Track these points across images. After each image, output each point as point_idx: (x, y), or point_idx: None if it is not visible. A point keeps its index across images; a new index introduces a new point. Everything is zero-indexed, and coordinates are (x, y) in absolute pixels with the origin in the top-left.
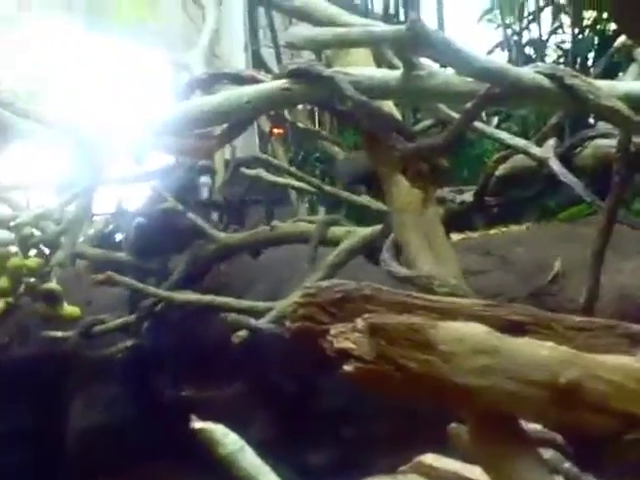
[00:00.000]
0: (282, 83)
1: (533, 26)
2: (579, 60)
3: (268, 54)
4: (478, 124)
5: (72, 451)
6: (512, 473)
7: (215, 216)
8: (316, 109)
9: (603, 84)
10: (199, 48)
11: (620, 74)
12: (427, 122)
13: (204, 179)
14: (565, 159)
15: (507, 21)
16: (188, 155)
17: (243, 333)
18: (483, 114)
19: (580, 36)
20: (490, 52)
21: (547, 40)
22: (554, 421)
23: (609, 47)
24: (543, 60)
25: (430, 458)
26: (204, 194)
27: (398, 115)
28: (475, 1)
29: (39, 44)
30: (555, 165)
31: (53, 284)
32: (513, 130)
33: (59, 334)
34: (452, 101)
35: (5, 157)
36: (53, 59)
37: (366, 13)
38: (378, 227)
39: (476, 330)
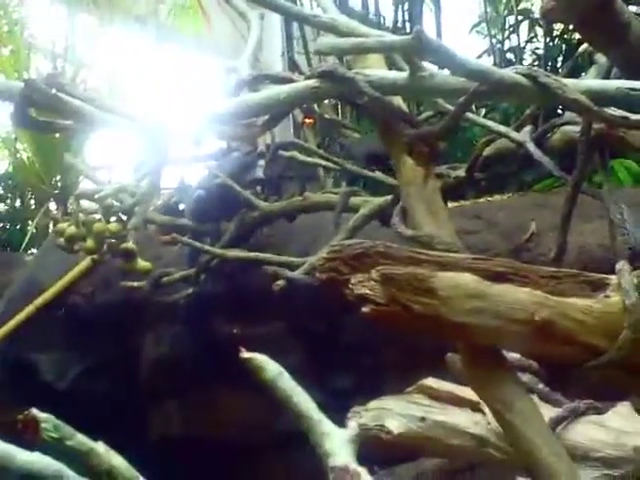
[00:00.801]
0: (312, 82)
1: (513, 36)
2: (550, 63)
3: (301, 59)
4: (469, 114)
5: (144, 378)
6: (496, 393)
7: (259, 189)
8: (339, 103)
9: (569, 82)
10: (245, 55)
11: (583, 74)
12: (428, 113)
13: (260, 162)
14: (539, 142)
15: (492, 32)
16: (237, 140)
17: (281, 282)
18: (473, 106)
19: (551, 44)
20: (479, 57)
21: (524, 47)
22: (531, 351)
23: (574, 52)
24: (521, 63)
25: (431, 381)
26: (258, 173)
27: (405, 108)
28: (466, 16)
29: (117, 52)
30: (531, 147)
31: (130, 244)
32: (497, 119)
33: (135, 284)
34: (448, 96)
35: (91, 144)
36: (130, 65)
37: (379, 26)
38: (389, 197)
39: (468, 279)
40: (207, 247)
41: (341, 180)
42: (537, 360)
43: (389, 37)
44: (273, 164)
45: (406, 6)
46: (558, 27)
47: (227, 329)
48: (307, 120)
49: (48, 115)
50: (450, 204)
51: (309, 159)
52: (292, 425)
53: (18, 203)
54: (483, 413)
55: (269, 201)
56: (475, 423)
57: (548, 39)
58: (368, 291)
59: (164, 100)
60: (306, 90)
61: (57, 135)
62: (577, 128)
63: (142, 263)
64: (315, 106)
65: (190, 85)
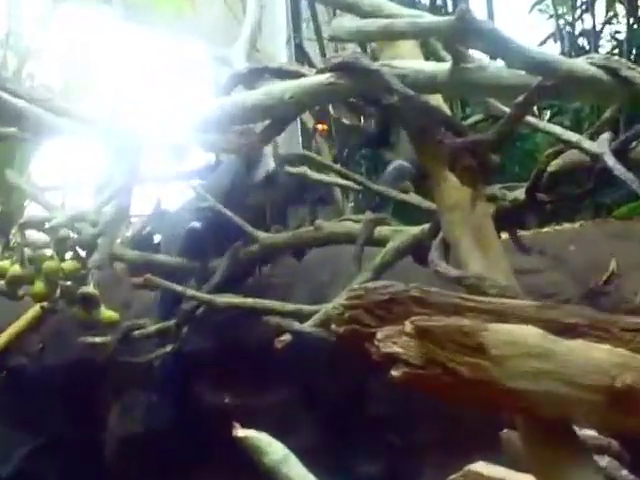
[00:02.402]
0: (326, 77)
1: (586, 16)
2: (634, 51)
3: (311, 47)
4: (530, 118)
5: (110, 460)
6: None
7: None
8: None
9: None
10: (240, 42)
11: None
12: (476, 117)
13: (258, 172)
14: (620, 154)
15: (559, 11)
16: (229, 152)
17: (287, 337)
18: (535, 108)
19: (635, 26)
20: (542, 43)
21: (601, 30)
22: (610, 427)
23: None
24: (597, 51)
25: (480, 466)
26: (267, 167)
27: (446, 109)
28: None
29: (74, 38)
30: (610, 160)
31: (90, 287)
32: (566, 124)
33: (96, 340)
34: (502, 95)
35: (39, 156)
36: (89, 53)
37: (413, 4)
38: (426, 226)
39: (528, 332)
40: (191, 291)
41: (364, 204)
42: (618, 439)
43: (426, 18)
44: (276, 183)
45: None
46: None
47: (215, 398)
48: (320, 127)
49: None
50: (505, 235)
51: (323, 177)
52: None
53: None
54: None
55: (271, 231)
56: None
57: (632, 20)
58: (399, 349)
59: (136, 100)
60: (319, 87)
61: None
62: None
63: (106, 312)
64: (330, 108)
65: (170, 80)
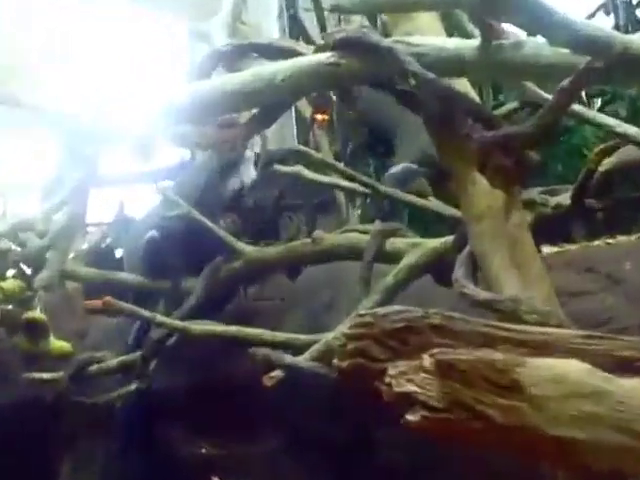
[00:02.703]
0: (327, 56)
1: None
2: None
3: (309, 20)
4: (576, 107)
5: None
6: None
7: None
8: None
9: None
10: (222, 14)
11: None
12: (511, 105)
13: (234, 180)
14: None
15: None
16: (208, 148)
17: (278, 373)
18: (583, 94)
19: None
20: (591, 16)
21: None
22: None
23: None
24: None
25: None
26: (244, 177)
27: (475, 96)
28: None
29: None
30: None
31: (37, 312)
32: (621, 114)
33: (45, 376)
34: (543, 78)
35: None
36: (43, 27)
37: None
38: (450, 238)
39: (575, 369)
40: (161, 317)
41: (373, 211)
42: None
43: None
44: (265, 186)
45: None
46: None
47: (190, 448)
48: (319, 116)
49: None
50: (546, 249)
51: (323, 177)
52: None
53: None
54: None
55: (259, 244)
56: None
57: None
58: (416, 388)
59: (96, 83)
60: (318, 68)
61: None
62: None
63: (57, 343)
64: (332, 95)
65: (138, 60)
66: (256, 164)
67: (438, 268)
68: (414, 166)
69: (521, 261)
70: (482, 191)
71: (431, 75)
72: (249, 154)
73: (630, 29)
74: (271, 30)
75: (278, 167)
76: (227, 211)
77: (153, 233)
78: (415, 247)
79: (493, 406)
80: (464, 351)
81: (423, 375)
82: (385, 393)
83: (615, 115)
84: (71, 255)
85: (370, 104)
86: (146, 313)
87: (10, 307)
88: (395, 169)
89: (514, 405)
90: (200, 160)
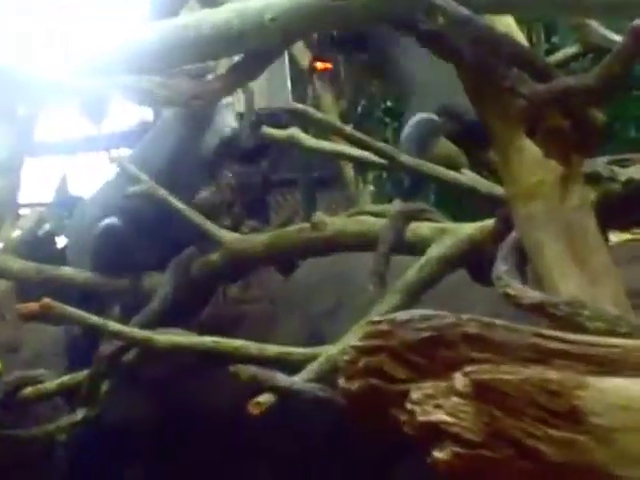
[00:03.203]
0: None
1: None
2: None
3: None
4: None
5: None
6: None
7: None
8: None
9: None
10: None
11: None
12: (569, 49)
13: (210, 135)
14: None
15: None
16: (176, 105)
17: (266, 398)
18: None
19: None
20: None
21: None
22: None
23: None
24: None
25: None
26: (226, 129)
27: (522, 38)
28: None
29: None
30: None
31: None
32: None
33: None
34: (610, 14)
35: None
36: None
37: None
38: (489, 223)
39: None
40: (116, 325)
41: (391, 188)
42: None
43: None
44: (252, 154)
45: None
46: None
47: None
48: (320, 65)
49: None
50: (615, 236)
51: (324, 144)
52: None
53: None
54: None
55: (242, 230)
56: None
57: None
58: (446, 417)
59: (29, 20)
60: (318, 3)
61: None
62: None
63: None
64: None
65: None
66: (240, 126)
67: (474, 261)
68: (433, 117)
69: (582, 253)
70: (532, 161)
71: (465, 11)
72: (226, 100)
73: None
74: None
75: (267, 130)
76: (213, 173)
77: (112, 219)
78: (445, 234)
79: (545, 440)
80: (508, 368)
81: (455, 400)
82: (406, 423)
83: None
84: (0, 245)
85: (379, 49)
86: (96, 319)
87: None
88: (409, 126)
89: (573, 438)
90: (163, 120)
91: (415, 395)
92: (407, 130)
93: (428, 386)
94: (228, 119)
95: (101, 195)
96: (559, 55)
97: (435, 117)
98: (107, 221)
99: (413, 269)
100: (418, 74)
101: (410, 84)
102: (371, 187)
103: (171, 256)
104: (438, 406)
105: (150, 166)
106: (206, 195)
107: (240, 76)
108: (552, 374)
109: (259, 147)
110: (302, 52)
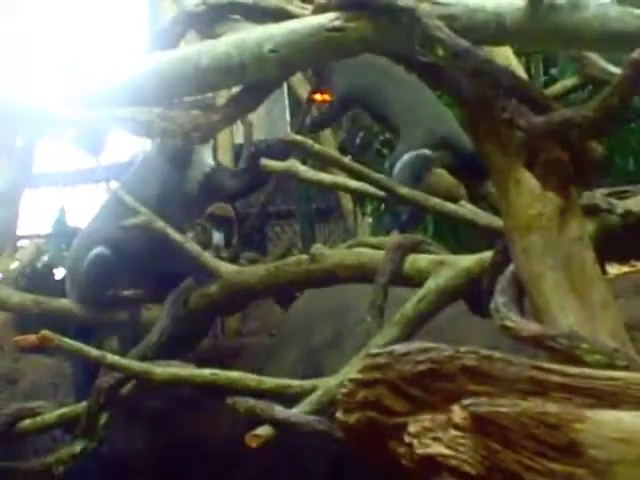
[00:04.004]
0: (330, 19)
1: None
2: None
3: None
4: None
5: None
6: None
7: (218, 237)
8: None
9: None
10: None
11: None
12: (568, 81)
13: (192, 171)
14: None
15: None
16: (175, 137)
17: (265, 430)
18: None
19: None
20: None
21: None
22: None
23: None
24: None
25: None
26: (207, 161)
27: (520, 70)
28: None
29: None
30: None
31: None
32: None
33: None
34: (609, 47)
35: None
36: None
37: None
38: (488, 255)
39: None
40: (114, 357)
41: (389, 220)
42: None
43: None
44: (250, 187)
45: None
46: None
47: None
48: (318, 97)
49: None
50: (613, 269)
51: (322, 175)
52: None
53: None
54: None
55: (240, 262)
56: None
57: None
58: (444, 449)
59: (30, 51)
60: (317, 35)
61: None
62: None
63: None
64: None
65: (84, 21)
66: (239, 158)
67: (473, 294)
68: (426, 152)
69: (580, 285)
70: (530, 194)
71: (465, 43)
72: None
73: None
74: None
75: (266, 162)
76: (198, 210)
77: (101, 249)
78: (443, 266)
79: (544, 474)
80: (506, 402)
81: (453, 432)
82: (404, 456)
83: None
84: None
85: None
86: (94, 352)
87: None
88: (401, 159)
89: (571, 472)
90: (147, 155)
91: (413, 428)
92: (399, 167)
93: (426, 419)
94: (205, 156)
95: (97, 226)
96: (558, 87)
97: (427, 152)
98: (96, 251)
99: (411, 302)
100: (400, 100)
101: (393, 112)
102: (369, 219)
103: (169, 289)
104: (436, 439)
105: (138, 199)
106: (203, 224)
107: (239, 107)
108: (550, 407)
109: (245, 185)
110: (301, 83)
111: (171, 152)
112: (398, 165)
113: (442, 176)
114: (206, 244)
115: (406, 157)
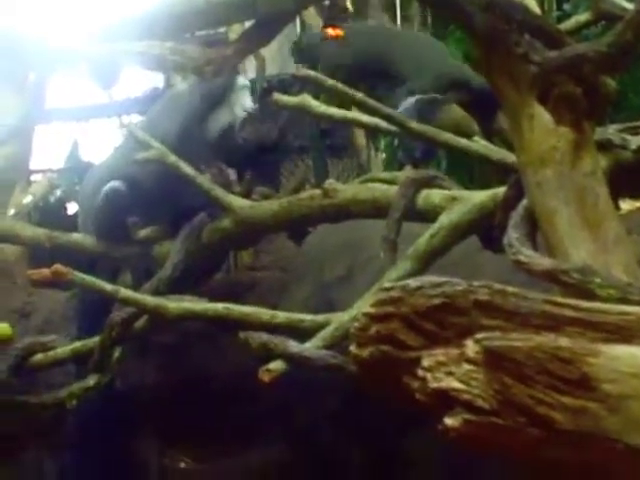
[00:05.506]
0: None
1: None
2: None
3: None
4: None
5: None
6: None
7: (231, 172)
8: None
9: None
10: None
11: None
12: (582, 16)
13: (222, 114)
14: None
15: None
16: (188, 71)
17: (278, 365)
18: None
19: None
20: None
21: None
22: None
23: None
24: None
25: None
26: (239, 110)
27: (534, 6)
28: None
29: None
30: None
31: None
32: None
33: None
34: None
35: None
36: None
37: None
38: (500, 190)
39: None
40: (127, 291)
41: (403, 156)
42: None
43: None
44: (262, 122)
45: None
46: None
47: (165, 461)
48: (331, 31)
49: None
50: (627, 205)
51: (334, 110)
52: None
53: None
54: None
55: (253, 196)
56: None
57: None
58: (457, 383)
59: None
60: None
61: None
62: None
63: None
64: (348, 2)
65: None
66: (252, 93)
67: (486, 229)
68: (435, 95)
69: (593, 220)
70: (543, 128)
71: None
72: (242, 81)
73: None
74: None
75: (278, 97)
76: (214, 155)
77: (115, 183)
78: (456, 202)
79: (557, 407)
80: (519, 336)
81: (466, 367)
82: (417, 390)
83: None
84: (11, 211)
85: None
86: (107, 286)
87: None
88: (408, 101)
89: (584, 406)
90: (176, 92)
91: (426, 362)
92: (407, 106)
93: (439, 353)
94: (243, 100)
95: (111, 161)
96: (571, 22)
97: (435, 95)
98: (110, 185)
99: (424, 237)
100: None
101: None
102: (383, 154)
103: (181, 224)
104: (449, 373)
105: (161, 135)
106: (220, 166)
107: (252, 42)
108: (563, 341)
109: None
110: (313, 17)
111: (205, 89)
112: (401, 108)
113: (455, 111)
114: (225, 185)
115: (412, 100)
